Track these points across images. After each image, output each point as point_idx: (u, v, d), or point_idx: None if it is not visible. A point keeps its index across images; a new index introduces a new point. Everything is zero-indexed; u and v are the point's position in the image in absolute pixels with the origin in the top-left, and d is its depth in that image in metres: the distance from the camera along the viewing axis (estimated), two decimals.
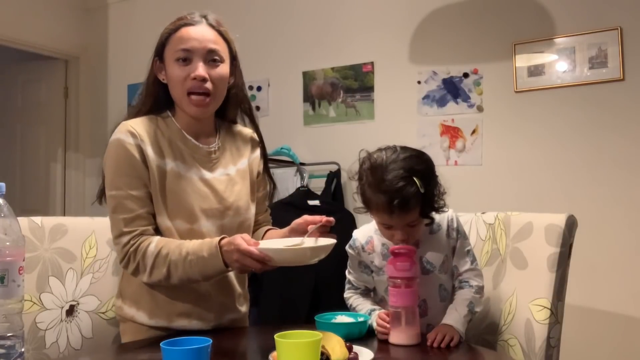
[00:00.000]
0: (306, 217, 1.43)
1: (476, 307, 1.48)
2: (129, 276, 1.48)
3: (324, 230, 1.39)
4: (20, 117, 4.40)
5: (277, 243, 1.39)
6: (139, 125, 1.45)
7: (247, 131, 1.64)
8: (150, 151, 1.43)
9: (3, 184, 1.06)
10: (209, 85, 1.44)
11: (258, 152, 1.64)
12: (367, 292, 1.60)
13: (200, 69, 1.42)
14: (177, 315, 1.46)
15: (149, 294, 1.47)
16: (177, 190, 1.44)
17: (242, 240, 1.28)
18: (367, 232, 1.57)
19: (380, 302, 1.56)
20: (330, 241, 1.33)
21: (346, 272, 1.62)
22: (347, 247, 1.57)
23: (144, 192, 1.42)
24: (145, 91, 1.54)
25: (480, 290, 1.51)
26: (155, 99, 1.52)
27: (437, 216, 1.52)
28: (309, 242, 1.37)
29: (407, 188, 1.37)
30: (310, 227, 1.38)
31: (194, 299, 1.47)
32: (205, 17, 1.50)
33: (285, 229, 1.50)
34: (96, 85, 4.25)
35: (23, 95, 4.40)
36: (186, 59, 1.44)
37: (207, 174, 1.49)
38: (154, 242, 1.39)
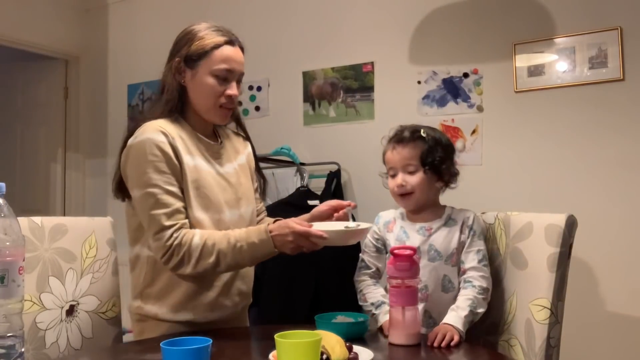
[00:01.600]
0: (330, 203, 1.60)
1: (479, 307, 1.49)
2: (153, 276, 1.52)
3: (339, 218, 1.57)
4: (20, 117, 4.39)
5: (325, 225, 1.50)
6: (165, 124, 1.51)
7: (233, 127, 1.76)
8: (181, 148, 1.50)
9: (3, 184, 1.06)
10: (236, 102, 1.59)
11: (249, 147, 1.77)
12: (378, 276, 1.66)
13: (235, 89, 1.56)
14: (202, 307, 1.53)
15: (176, 289, 1.51)
16: (206, 184, 1.53)
17: (296, 224, 1.42)
18: (391, 213, 1.70)
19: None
20: (370, 224, 1.53)
21: (360, 254, 1.69)
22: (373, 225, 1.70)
23: (178, 188, 1.48)
24: (169, 94, 1.57)
25: (483, 291, 1.52)
26: (176, 101, 1.57)
27: (455, 212, 1.63)
28: (351, 225, 1.52)
29: (410, 130, 1.60)
30: (344, 210, 1.56)
31: (219, 290, 1.54)
32: (237, 38, 1.59)
33: (307, 215, 1.62)
34: (96, 85, 4.25)
35: (23, 95, 4.39)
36: (226, 78, 1.54)
37: (220, 169, 1.60)
38: (198, 235, 1.45)
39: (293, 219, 1.47)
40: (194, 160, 1.52)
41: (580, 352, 2.53)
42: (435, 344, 1.36)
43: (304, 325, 1.44)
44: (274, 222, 1.54)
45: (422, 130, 1.60)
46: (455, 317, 1.45)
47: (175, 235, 1.44)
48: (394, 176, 1.61)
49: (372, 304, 1.58)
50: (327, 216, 1.60)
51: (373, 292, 1.60)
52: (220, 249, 1.44)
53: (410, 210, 1.64)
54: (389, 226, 1.66)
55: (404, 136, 1.60)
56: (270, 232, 1.44)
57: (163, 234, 1.44)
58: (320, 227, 1.44)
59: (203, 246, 1.44)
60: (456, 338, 1.38)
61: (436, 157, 1.58)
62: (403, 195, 1.59)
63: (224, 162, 1.62)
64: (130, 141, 1.50)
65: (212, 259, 1.44)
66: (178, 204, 1.47)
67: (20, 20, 3.88)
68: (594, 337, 2.58)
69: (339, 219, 1.58)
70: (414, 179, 1.57)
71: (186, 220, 1.48)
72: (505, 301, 1.56)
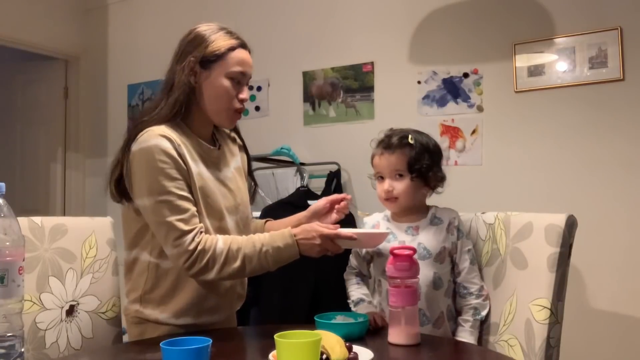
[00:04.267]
0: (327, 198, 1.63)
1: (482, 311, 1.58)
2: (155, 282, 1.50)
3: (341, 210, 1.62)
4: (20, 117, 4.39)
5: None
6: (167, 131, 1.47)
7: (227, 131, 1.74)
8: (186, 154, 1.47)
9: (3, 184, 1.06)
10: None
11: (241, 149, 1.76)
12: (362, 276, 1.74)
13: (247, 93, 1.57)
14: (205, 311, 1.52)
15: (179, 296, 1.50)
16: (208, 191, 1.51)
17: (322, 227, 1.44)
18: (375, 217, 1.74)
19: (378, 286, 1.68)
20: (389, 231, 1.61)
21: (350, 256, 1.76)
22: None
23: (189, 193, 1.46)
24: (178, 94, 1.52)
25: (480, 290, 1.59)
26: (184, 103, 1.53)
27: (439, 211, 1.68)
28: (366, 230, 1.63)
29: (398, 136, 1.63)
30: (345, 203, 1.61)
31: (221, 294, 1.54)
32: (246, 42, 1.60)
33: (304, 213, 1.64)
34: (96, 85, 4.25)
35: (23, 95, 4.39)
36: (240, 82, 1.55)
37: (220, 174, 1.58)
38: (221, 240, 1.43)
39: (318, 223, 1.49)
40: (197, 167, 1.50)
41: (580, 352, 2.53)
42: None
43: (304, 325, 1.44)
44: (288, 224, 1.56)
45: (410, 137, 1.62)
46: (466, 333, 1.56)
47: (196, 239, 1.41)
48: (381, 181, 1.66)
49: (352, 301, 1.66)
50: (326, 211, 1.63)
51: (355, 290, 1.68)
52: (245, 254, 1.42)
53: (394, 212, 1.69)
54: (374, 228, 1.71)
55: (392, 142, 1.63)
56: (295, 235, 1.44)
57: (184, 239, 1.40)
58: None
59: (228, 251, 1.41)
60: None
61: (423, 164, 1.61)
62: (389, 199, 1.64)
63: (222, 167, 1.60)
64: (133, 148, 1.45)
65: (237, 264, 1.42)
66: (193, 209, 1.44)
67: (20, 20, 3.88)
68: (594, 337, 2.58)
69: (340, 211, 1.62)
70: (401, 186, 1.61)
71: (202, 225, 1.45)
72: (505, 301, 1.56)
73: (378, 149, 1.67)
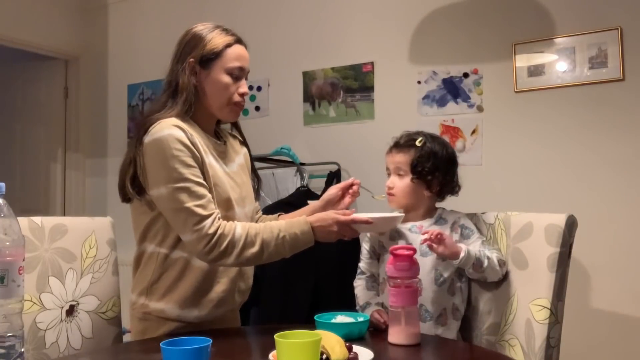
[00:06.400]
0: (337, 185, 1.69)
1: (491, 261, 1.54)
2: (161, 272, 1.52)
3: (354, 194, 1.68)
4: (20, 117, 4.39)
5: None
6: (179, 122, 1.50)
7: (227, 129, 1.78)
8: (198, 144, 1.50)
9: (3, 184, 1.07)
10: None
11: (245, 147, 1.79)
12: (373, 280, 1.72)
13: (246, 87, 1.60)
14: (208, 303, 1.54)
15: (183, 284, 1.51)
16: (217, 181, 1.54)
17: (338, 214, 1.48)
18: None
19: (382, 284, 1.67)
20: (402, 214, 1.62)
21: (359, 263, 1.76)
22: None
23: (204, 180, 1.48)
24: (186, 95, 1.54)
25: (493, 259, 1.55)
26: (192, 102, 1.56)
27: (445, 212, 1.69)
28: (381, 214, 1.60)
29: (408, 137, 1.68)
30: (356, 188, 1.67)
31: (224, 286, 1.56)
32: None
33: (318, 203, 1.69)
34: (96, 85, 4.25)
35: (23, 95, 4.39)
36: (238, 76, 1.58)
37: (226, 168, 1.62)
38: (239, 226, 1.46)
39: (332, 210, 1.55)
40: (208, 158, 1.53)
41: (580, 352, 2.53)
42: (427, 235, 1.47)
43: (304, 325, 1.44)
44: (302, 215, 1.58)
45: (418, 140, 1.66)
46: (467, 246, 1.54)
47: (215, 224, 1.43)
48: (389, 176, 1.71)
49: (361, 306, 1.66)
50: (338, 198, 1.68)
51: (363, 296, 1.68)
52: (264, 239, 1.45)
53: (400, 211, 1.70)
54: None
55: (399, 142, 1.70)
56: (311, 223, 1.48)
57: (203, 224, 1.42)
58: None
59: (246, 236, 1.44)
60: (448, 240, 1.48)
61: (425, 167, 1.63)
62: (389, 194, 1.69)
63: (228, 161, 1.64)
64: (146, 140, 1.46)
65: (255, 249, 1.44)
66: (209, 195, 1.47)
67: (20, 20, 3.88)
68: (594, 337, 2.58)
69: (354, 195, 1.67)
70: (401, 183, 1.66)
71: (219, 211, 1.48)
72: (505, 301, 1.56)
73: (390, 147, 1.72)
